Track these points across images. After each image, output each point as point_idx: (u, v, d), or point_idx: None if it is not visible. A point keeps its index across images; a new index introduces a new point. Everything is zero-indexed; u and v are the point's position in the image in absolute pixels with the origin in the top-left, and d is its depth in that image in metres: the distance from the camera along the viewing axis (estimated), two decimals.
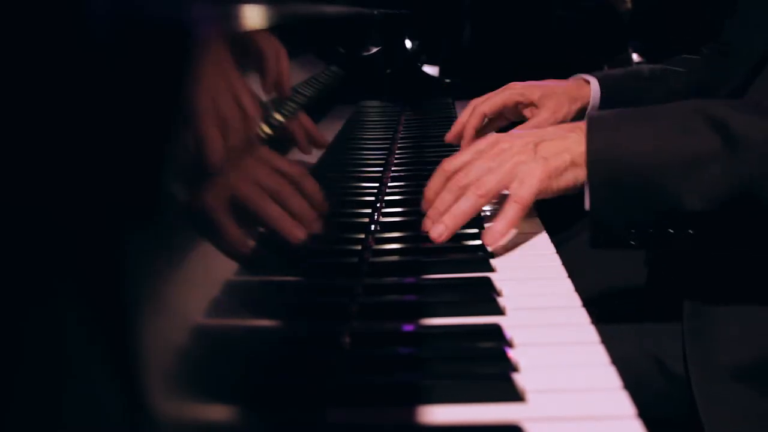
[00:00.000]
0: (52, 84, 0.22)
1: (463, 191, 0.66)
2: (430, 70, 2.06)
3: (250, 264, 0.40)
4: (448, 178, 0.69)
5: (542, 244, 0.68)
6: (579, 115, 0.95)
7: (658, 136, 0.62)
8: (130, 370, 0.24)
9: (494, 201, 0.69)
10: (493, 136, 0.70)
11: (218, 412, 0.33)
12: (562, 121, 0.93)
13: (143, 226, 0.26)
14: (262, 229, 0.45)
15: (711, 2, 1.87)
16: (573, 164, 0.64)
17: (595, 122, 0.65)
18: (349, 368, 0.46)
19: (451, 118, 1.37)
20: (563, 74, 1.02)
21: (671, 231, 0.60)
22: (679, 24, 2.14)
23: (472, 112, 0.94)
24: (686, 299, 0.71)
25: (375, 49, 1.51)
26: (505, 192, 0.66)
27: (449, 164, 0.70)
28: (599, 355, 0.46)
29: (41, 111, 0.22)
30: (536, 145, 0.66)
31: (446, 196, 0.67)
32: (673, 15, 2.18)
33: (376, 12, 1.52)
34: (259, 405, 0.39)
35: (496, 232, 0.64)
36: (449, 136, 0.96)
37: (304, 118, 0.66)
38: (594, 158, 0.62)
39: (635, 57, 2.22)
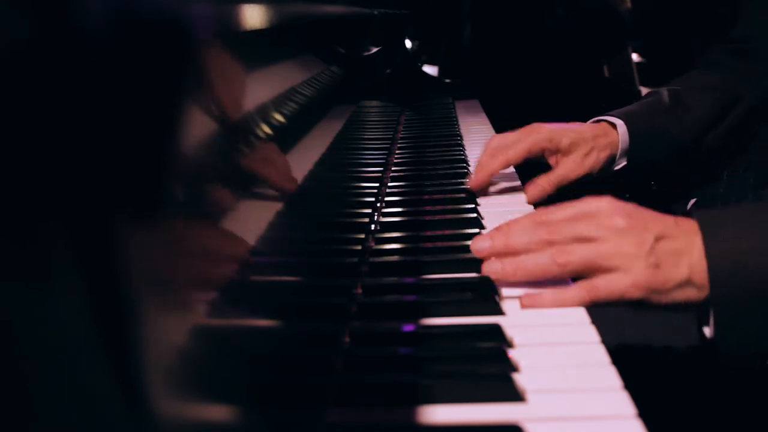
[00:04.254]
0: (50, 83, 0.22)
1: (542, 246, 0.54)
2: (430, 70, 2.06)
3: (250, 264, 0.40)
4: (538, 224, 0.56)
5: None
6: (606, 164, 0.86)
7: None
8: (129, 370, 0.24)
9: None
10: (608, 201, 0.55)
11: (217, 412, 0.33)
12: (589, 172, 0.84)
13: (143, 225, 0.26)
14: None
15: (711, 2, 1.87)
16: (689, 283, 0.50)
17: (712, 226, 0.50)
18: (349, 368, 0.46)
19: (452, 118, 1.38)
20: (563, 74, 0.99)
21: None
22: (679, 23, 2.14)
23: (495, 158, 0.81)
24: None
25: (375, 49, 1.51)
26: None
27: (543, 214, 0.57)
28: (599, 355, 0.46)
29: (39, 109, 0.22)
30: (656, 240, 0.51)
31: (522, 237, 0.55)
32: (673, 15, 2.18)
33: (376, 12, 1.52)
34: (258, 405, 0.39)
35: (536, 303, 0.52)
36: (474, 184, 0.83)
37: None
38: (718, 274, 0.48)
39: (635, 57, 2.23)
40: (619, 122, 0.87)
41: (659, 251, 0.50)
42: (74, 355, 0.23)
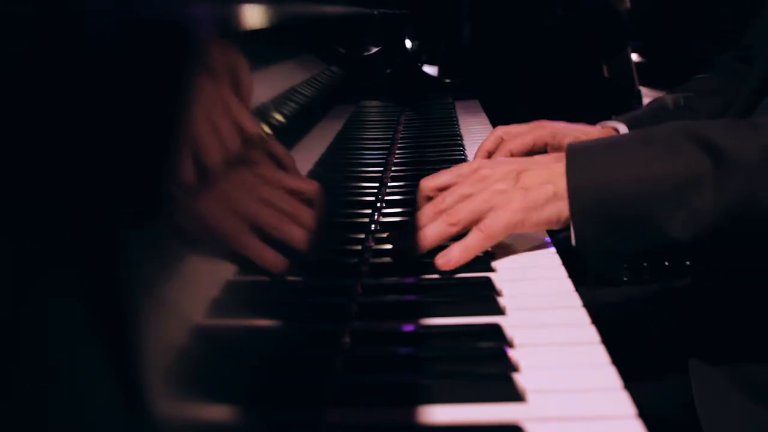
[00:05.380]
0: (49, 84, 0.22)
1: (437, 217, 0.63)
2: (430, 70, 2.06)
3: (249, 265, 0.40)
4: (428, 197, 0.66)
5: (542, 242, 0.68)
6: None
7: (641, 162, 0.57)
8: (129, 370, 0.24)
9: None
10: (476, 162, 0.67)
11: (217, 412, 0.33)
12: None
13: (143, 226, 0.26)
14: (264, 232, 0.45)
15: (710, 2, 1.87)
16: (555, 197, 0.59)
17: (575, 152, 0.60)
18: (349, 368, 0.46)
19: (452, 118, 1.38)
20: (563, 74, 0.99)
21: (667, 264, 0.57)
22: (678, 23, 2.14)
23: (500, 149, 0.85)
24: (691, 357, 0.68)
25: (375, 49, 1.51)
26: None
27: (426, 182, 0.68)
28: (599, 355, 0.46)
29: (38, 111, 0.22)
30: (519, 174, 0.62)
31: (421, 218, 0.64)
32: (673, 15, 2.18)
33: (376, 12, 1.52)
34: (258, 405, 0.39)
35: (449, 259, 0.59)
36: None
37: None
38: (575, 191, 0.57)
39: (635, 57, 2.23)
40: (622, 127, 0.89)
41: (524, 179, 0.61)
42: (74, 354, 0.23)
